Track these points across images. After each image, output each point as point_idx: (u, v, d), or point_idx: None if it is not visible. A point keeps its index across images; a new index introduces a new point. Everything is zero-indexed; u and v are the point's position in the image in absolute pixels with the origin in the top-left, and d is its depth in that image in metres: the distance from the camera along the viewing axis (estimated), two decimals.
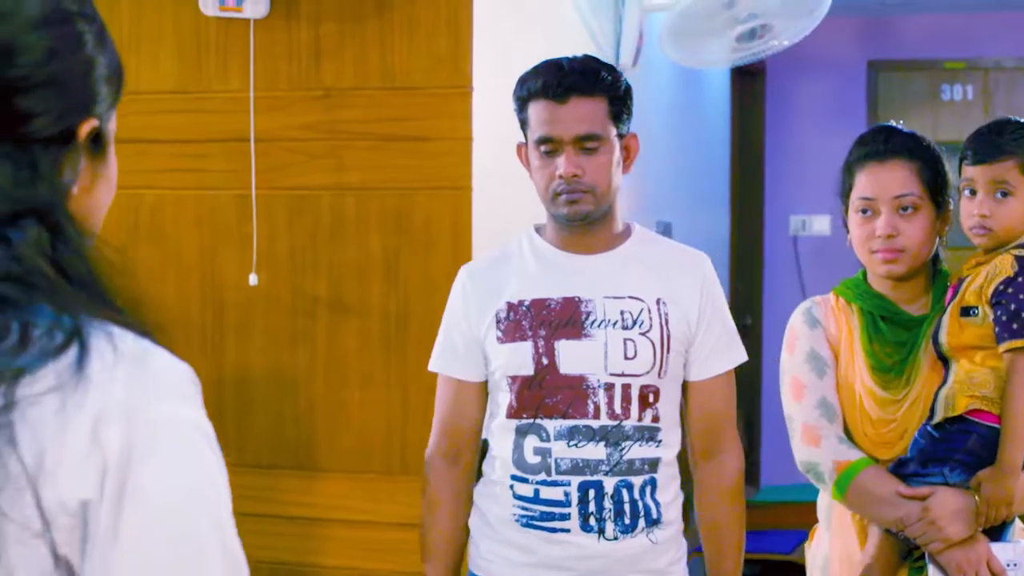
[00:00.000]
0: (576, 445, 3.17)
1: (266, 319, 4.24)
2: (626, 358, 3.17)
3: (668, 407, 3.23)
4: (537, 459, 3.20)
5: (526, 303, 3.22)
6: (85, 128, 1.50)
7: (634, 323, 3.19)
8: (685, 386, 3.30)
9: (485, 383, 3.33)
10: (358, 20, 4.12)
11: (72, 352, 1.34)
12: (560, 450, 3.17)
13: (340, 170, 4.16)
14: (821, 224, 8.98)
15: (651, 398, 3.19)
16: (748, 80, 8.86)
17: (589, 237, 3.26)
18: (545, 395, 3.19)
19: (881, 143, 3.25)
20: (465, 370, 3.32)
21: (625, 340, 3.18)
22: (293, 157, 4.20)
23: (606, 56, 5.21)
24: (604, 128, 3.16)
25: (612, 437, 3.16)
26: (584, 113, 3.14)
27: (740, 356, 3.33)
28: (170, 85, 4.30)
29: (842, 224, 3.37)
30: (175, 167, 4.30)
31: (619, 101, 3.19)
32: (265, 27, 4.18)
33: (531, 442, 3.21)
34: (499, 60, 4.21)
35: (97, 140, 1.52)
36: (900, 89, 9.19)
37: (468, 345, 3.29)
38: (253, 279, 4.17)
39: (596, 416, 3.16)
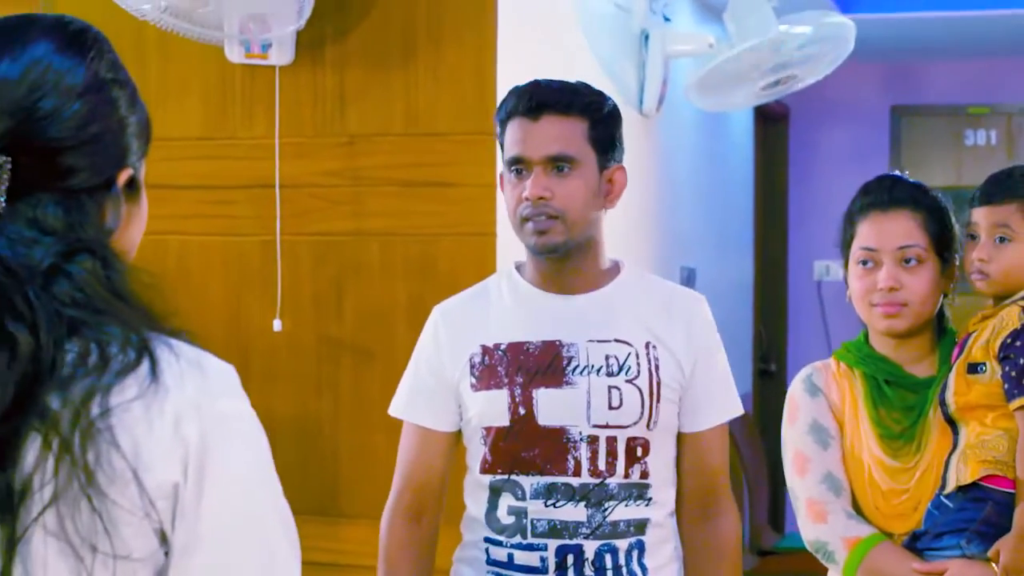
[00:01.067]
0: (554, 505, 2.88)
1: (290, 364, 4.25)
2: (611, 408, 2.89)
3: (660, 462, 2.95)
4: (511, 520, 2.92)
5: (503, 347, 2.94)
6: (122, 177, 1.77)
7: (620, 369, 2.91)
8: (678, 439, 3.02)
9: (455, 434, 3.05)
10: (383, 66, 4.14)
11: (145, 364, 1.63)
12: (536, 510, 2.89)
13: (364, 216, 4.17)
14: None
15: (639, 452, 2.91)
16: (772, 125, 8.87)
17: (571, 275, 2.98)
18: (521, 448, 2.90)
19: (885, 192, 3.10)
20: (434, 418, 3.04)
21: (610, 388, 2.90)
22: (318, 203, 4.21)
23: (630, 103, 5.23)
24: (579, 150, 2.89)
25: (594, 497, 2.87)
26: (557, 132, 2.89)
27: (735, 408, 3.07)
28: (196, 132, 4.32)
29: (843, 279, 3.16)
30: (201, 213, 4.32)
31: (601, 124, 2.94)
32: (290, 74, 4.21)
33: (506, 500, 2.92)
34: None
35: (131, 185, 1.80)
36: (923, 134, 9.19)
37: (438, 390, 3.02)
38: (277, 324, 4.18)
39: (576, 473, 2.87)
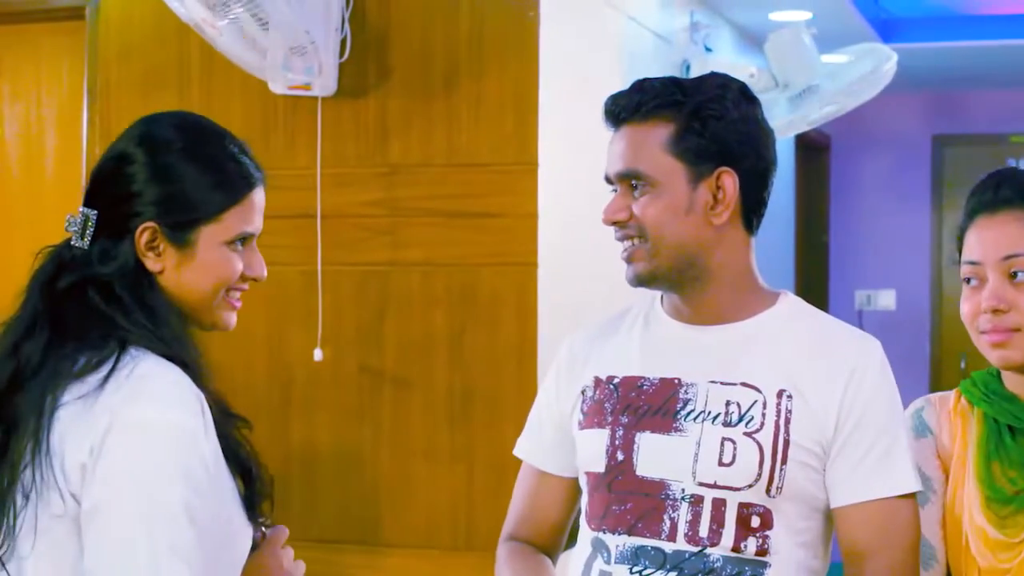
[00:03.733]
0: (640, 573, 2.39)
1: (332, 394, 4.26)
2: (721, 464, 2.37)
3: (788, 539, 2.38)
4: None
5: (616, 380, 2.50)
6: (139, 231, 2.17)
7: (740, 419, 2.38)
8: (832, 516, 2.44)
9: (574, 480, 2.60)
10: (425, 98, 4.15)
11: (104, 371, 2.06)
12: None
13: (406, 246, 4.18)
14: (887, 299, 8.93)
15: (755, 522, 2.36)
16: (813, 154, 8.85)
17: (700, 305, 2.48)
18: (613, 501, 2.43)
19: (991, 191, 2.46)
20: (550, 459, 2.62)
21: (723, 440, 2.38)
22: (359, 233, 4.22)
23: None
24: (654, 164, 2.42)
25: (689, 568, 2.36)
26: (630, 143, 2.46)
27: (905, 483, 2.39)
28: None
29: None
30: None
31: (695, 124, 2.42)
32: (332, 105, 4.22)
33: (597, 564, 2.45)
34: (565, 137, 4.23)
35: (177, 234, 2.19)
36: (965, 163, 9.15)
37: (556, 429, 2.59)
38: (318, 354, 4.18)
39: (671, 538, 2.37)
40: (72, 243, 2.19)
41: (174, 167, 2.18)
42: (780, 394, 2.39)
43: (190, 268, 2.21)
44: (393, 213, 4.19)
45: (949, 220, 9.15)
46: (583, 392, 2.54)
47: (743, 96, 2.48)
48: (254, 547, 2.30)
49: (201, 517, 2.05)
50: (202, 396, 2.12)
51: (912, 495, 2.40)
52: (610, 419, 2.46)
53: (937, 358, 8.81)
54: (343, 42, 4.17)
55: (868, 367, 2.42)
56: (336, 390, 4.25)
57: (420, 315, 4.18)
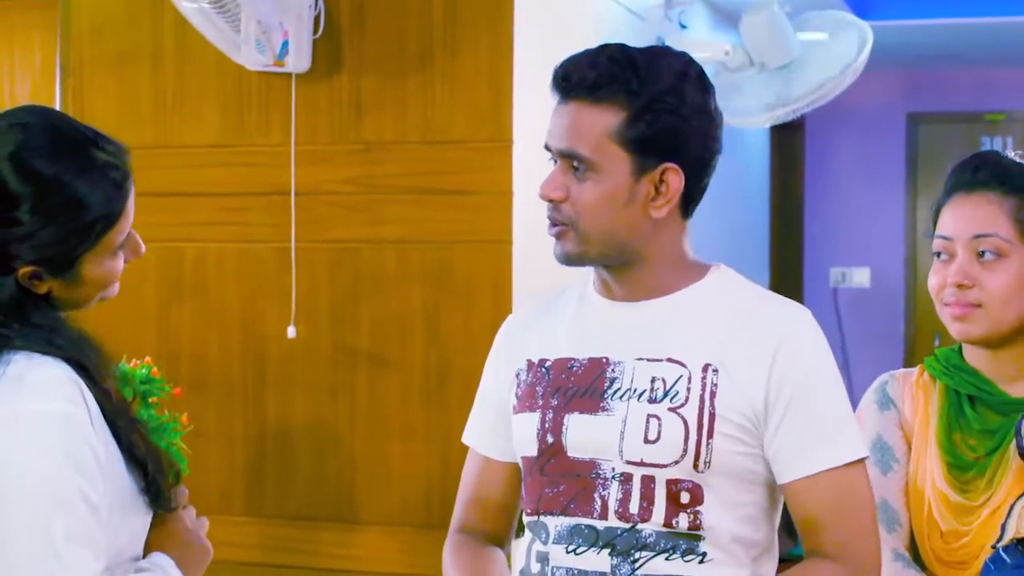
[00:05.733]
0: (575, 552, 2.36)
1: (307, 372, 4.25)
2: (647, 441, 2.33)
3: (723, 515, 2.35)
4: (537, 567, 2.42)
5: (548, 363, 2.46)
6: (22, 272, 2.16)
7: (665, 395, 2.34)
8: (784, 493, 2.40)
9: (515, 465, 2.56)
10: (399, 74, 4.14)
11: None
12: (557, 557, 2.38)
13: (380, 223, 4.18)
14: (861, 276, 8.95)
15: (684, 498, 2.33)
16: (787, 133, 8.86)
17: (628, 283, 2.43)
18: (546, 484, 2.41)
19: (970, 171, 2.55)
20: (492, 445, 2.59)
21: (648, 417, 2.34)
22: (333, 210, 4.21)
23: None
24: (599, 150, 2.34)
25: (621, 544, 2.33)
26: (575, 122, 2.36)
27: (851, 450, 2.35)
28: (212, 139, 4.32)
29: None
30: (216, 220, 4.33)
31: (647, 116, 2.33)
32: (307, 81, 4.21)
33: (535, 545, 2.43)
34: (539, 114, 4.21)
35: (59, 271, 2.18)
36: (940, 141, 9.17)
37: (497, 413, 2.56)
38: (291, 331, 4.18)
39: (603, 516, 2.35)
40: None
41: (54, 208, 2.14)
42: (705, 368, 2.34)
43: (76, 287, 2.22)
44: (367, 190, 4.19)
45: (923, 198, 9.17)
46: (517, 375, 2.51)
47: (700, 86, 2.39)
48: (170, 508, 2.32)
49: (97, 499, 2.07)
50: (85, 389, 2.12)
51: (861, 461, 2.35)
52: (541, 402, 2.43)
53: (911, 335, 8.83)
54: (317, 19, 4.16)
55: (796, 337, 2.37)
56: (311, 368, 4.25)
57: (395, 293, 4.17)
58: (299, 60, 4.13)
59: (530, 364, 2.49)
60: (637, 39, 5.19)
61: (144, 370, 3.59)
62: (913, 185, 9.25)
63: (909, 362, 8.49)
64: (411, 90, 4.15)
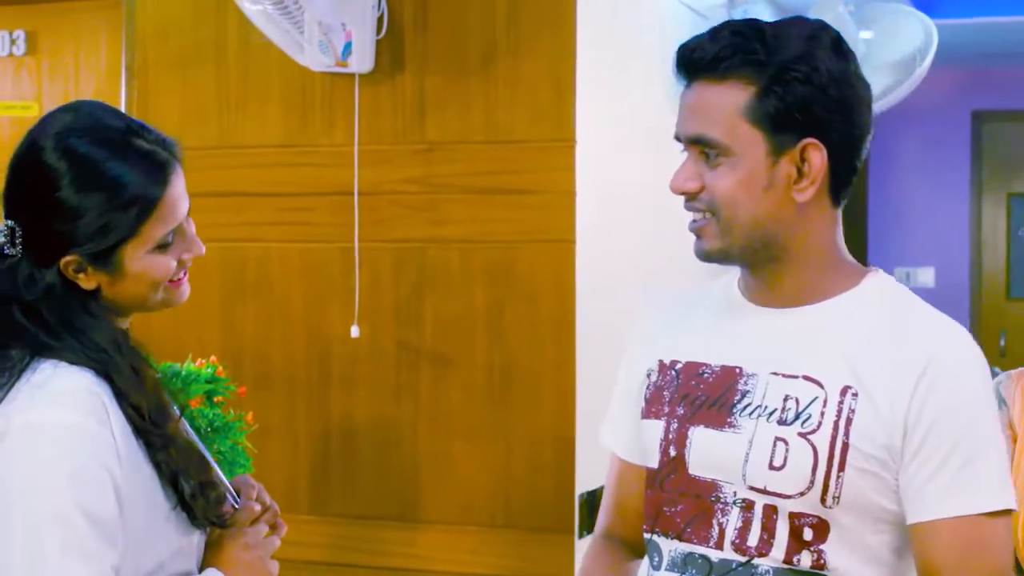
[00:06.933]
0: None
1: (369, 371, 4.26)
2: (771, 467, 2.12)
3: (851, 555, 2.12)
4: None
5: (679, 365, 2.28)
6: (63, 262, 2.18)
7: (796, 417, 2.12)
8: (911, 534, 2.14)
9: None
10: (462, 74, 4.15)
11: (6, 384, 2.12)
12: None
13: (443, 223, 4.18)
14: (926, 276, 8.90)
15: (807, 534, 2.10)
16: None
17: (776, 284, 2.22)
18: (664, 502, 2.23)
19: None
20: (628, 447, 2.40)
21: (776, 440, 2.12)
22: (397, 210, 4.22)
23: None
24: (730, 131, 2.13)
25: None
26: (701, 104, 2.16)
27: (990, 499, 2.08)
28: (276, 139, 4.34)
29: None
30: (280, 220, 4.34)
31: (777, 88, 2.11)
32: (370, 82, 4.22)
33: (646, 568, 2.29)
34: (602, 113, 4.22)
35: (100, 261, 2.19)
36: (1005, 139, 9.11)
37: (632, 414, 2.36)
38: (355, 331, 4.19)
39: (719, 544, 2.15)
40: (4, 251, 2.21)
41: (90, 184, 2.16)
42: (844, 391, 2.10)
43: (122, 282, 2.22)
44: (430, 190, 4.19)
45: (988, 196, 9.10)
46: (648, 375, 2.33)
47: (835, 51, 2.15)
48: (222, 524, 2.31)
49: (106, 513, 2.08)
50: (110, 402, 2.14)
51: (1002, 512, 2.08)
52: (667, 409, 2.25)
53: (976, 335, 8.74)
54: (380, 20, 4.16)
55: (947, 358, 2.10)
56: (374, 367, 4.26)
57: (458, 292, 4.17)
58: (362, 61, 4.14)
59: (661, 365, 2.31)
60: None
61: (209, 369, 3.63)
62: (978, 183, 9.19)
63: None
64: (474, 90, 4.15)
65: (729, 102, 2.12)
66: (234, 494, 2.44)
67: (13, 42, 5.34)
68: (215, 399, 3.63)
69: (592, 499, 3.70)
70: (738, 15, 5.36)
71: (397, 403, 4.24)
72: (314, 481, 4.32)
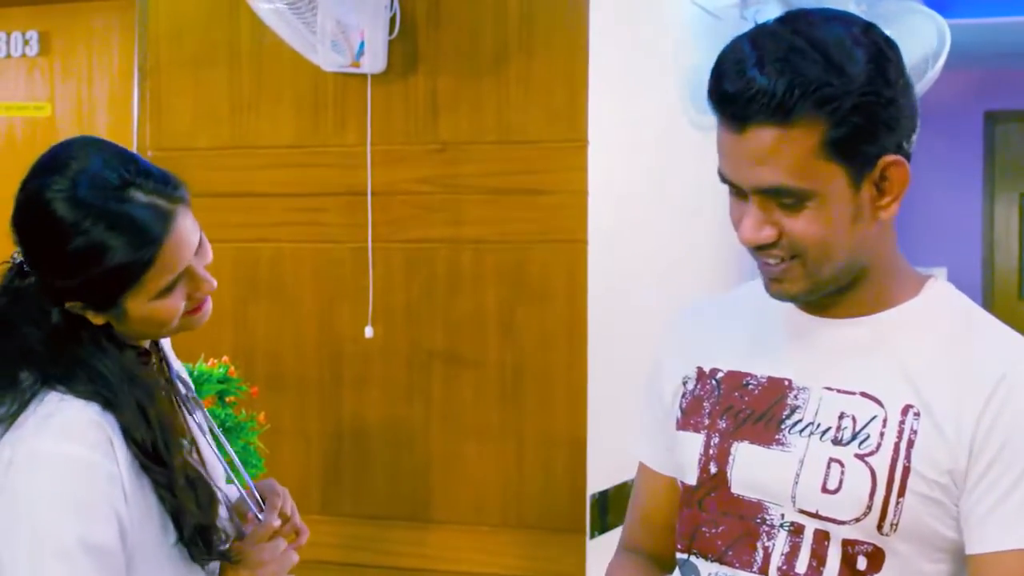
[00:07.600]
0: None
1: (382, 371, 4.26)
2: (825, 490, 1.97)
3: None
4: None
5: (720, 374, 2.14)
6: (68, 305, 2.20)
7: (853, 437, 1.97)
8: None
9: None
10: (475, 75, 4.14)
11: (18, 409, 2.13)
12: None
13: (456, 223, 4.18)
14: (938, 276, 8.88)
15: (861, 564, 1.96)
16: None
17: (840, 297, 2.05)
18: (703, 522, 2.10)
19: None
20: (659, 457, 2.28)
21: (831, 461, 1.98)
22: (409, 211, 4.22)
23: None
24: (809, 175, 1.90)
25: None
26: (767, 153, 1.90)
27: None
28: (288, 139, 4.34)
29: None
30: (293, 220, 4.34)
31: (853, 117, 1.89)
32: (382, 82, 4.22)
33: None
34: (615, 113, 4.22)
35: (102, 308, 2.21)
36: (1018, 139, 9.10)
37: (663, 423, 2.23)
38: (369, 331, 4.19)
39: (763, 569, 2.02)
40: (25, 267, 2.24)
41: (72, 252, 2.15)
42: (905, 410, 1.96)
43: (129, 323, 2.24)
44: (443, 190, 4.19)
45: (1001, 197, 9.09)
46: (684, 383, 2.19)
47: (894, 53, 1.98)
48: (240, 537, 2.33)
49: (109, 545, 2.10)
50: (116, 435, 2.15)
51: None
52: (707, 422, 2.10)
53: None
54: (392, 20, 4.16)
55: (1018, 379, 1.93)
56: (387, 367, 4.26)
57: (471, 292, 4.17)
58: (375, 61, 4.14)
59: (700, 372, 2.17)
60: (714, 38, 5.18)
61: (221, 369, 3.63)
62: (990, 184, 9.18)
63: None
64: (487, 90, 4.15)
65: (802, 146, 1.89)
66: (259, 500, 2.45)
67: (26, 43, 5.35)
68: (227, 399, 3.64)
69: (604, 499, 3.69)
70: (750, 15, 5.36)
71: (409, 403, 4.23)
72: (326, 481, 4.32)
